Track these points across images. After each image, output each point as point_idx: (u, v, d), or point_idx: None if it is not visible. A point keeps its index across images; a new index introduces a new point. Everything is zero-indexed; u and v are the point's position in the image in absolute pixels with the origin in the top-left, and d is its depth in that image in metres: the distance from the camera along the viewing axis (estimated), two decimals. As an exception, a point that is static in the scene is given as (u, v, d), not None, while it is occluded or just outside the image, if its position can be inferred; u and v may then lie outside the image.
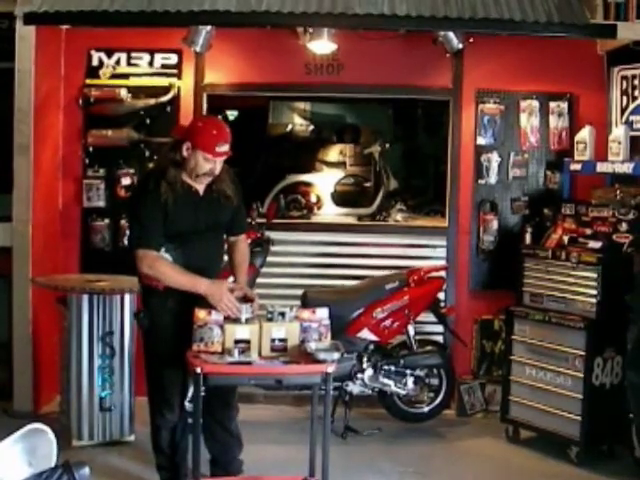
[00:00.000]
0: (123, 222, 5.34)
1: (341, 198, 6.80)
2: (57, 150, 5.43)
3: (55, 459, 2.12)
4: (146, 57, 5.43)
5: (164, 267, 3.60)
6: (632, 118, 5.12)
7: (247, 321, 3.50)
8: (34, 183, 5.01)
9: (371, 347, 4.95)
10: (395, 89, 5.60)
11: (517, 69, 5.45)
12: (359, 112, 8.21)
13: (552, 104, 5.42)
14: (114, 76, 5.42)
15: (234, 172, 3.91)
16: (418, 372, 5.02)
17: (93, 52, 5.42)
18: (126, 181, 5.40)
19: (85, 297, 4.55)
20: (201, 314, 3.47)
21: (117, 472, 4.27)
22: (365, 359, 4.91)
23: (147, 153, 5.39)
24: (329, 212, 6.55)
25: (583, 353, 4.53)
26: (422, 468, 4.48)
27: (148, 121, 5.42)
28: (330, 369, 3.40)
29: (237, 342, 3.42)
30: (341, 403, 4.96)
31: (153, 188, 3.61)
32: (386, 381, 4.95)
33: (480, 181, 5.48)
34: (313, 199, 6.63)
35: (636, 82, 5.10)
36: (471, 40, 5.14)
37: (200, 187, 3.73)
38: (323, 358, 3.41)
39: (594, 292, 4.55)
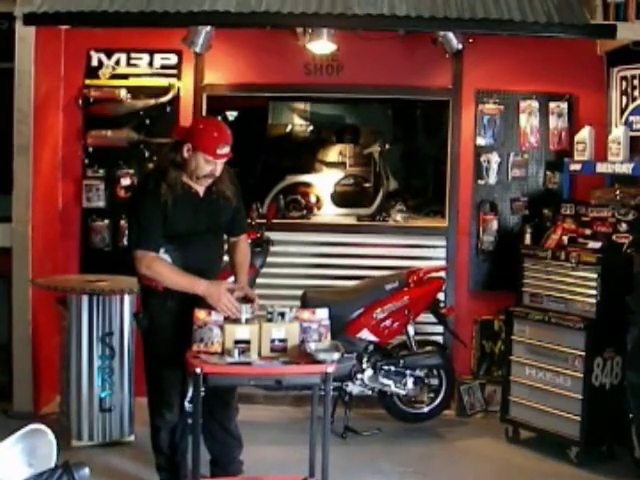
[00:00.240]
0: (123, 222, 5.34)
1: (341, 198, 6.79)
2: (57, 150, 5.43)
3: (55, 460, 2.12)
4: (146, 57, 5.44)
5: (162, 268, 3.59)
6: (632, 118, 5.12)
7: (247, 321, 3.50)
8: (34, 183, 5.01)
9: (371, 347, 4.96)
10: (395, 89, 5.60)
11: (517, 69, 5.45)
12: (359, 112, 8.20)
13: (552, 104, 5.42)
14: (114, 76, 5.43)
15: (234, 172, 3.91)
16: (418, 372, 5.02)
17: (93, 52, 5.43)
18: (126, 181, 5.41)
19: (85, 298, 4.55)
20: (201, 314, 3.47)
21: (117, 472, 4.27)
22: (365, 359, 4.91)
23: (147, 153, 5.40)
24: (329, 212, 6.55)
25: (583, 353, 4.53)
26: (422, 468, 4.48)
27: (148, 121, 5.42)
28: (330, 369, 3.40)
29: (237, 342, 3.42)
30: (341, 403, 4.96)
31: (153, 189, 3.61)
32: (386, 381, 4.95)
33: (480, 181, 5.48)
34: (313, 199, 6.62)
35: (636, 82, 5.10)
36: (471, 40, 5.16)
37: (200, 188, 3.73)
38: (323, 358, 3.41)
39: (594, 292, 4.55)
